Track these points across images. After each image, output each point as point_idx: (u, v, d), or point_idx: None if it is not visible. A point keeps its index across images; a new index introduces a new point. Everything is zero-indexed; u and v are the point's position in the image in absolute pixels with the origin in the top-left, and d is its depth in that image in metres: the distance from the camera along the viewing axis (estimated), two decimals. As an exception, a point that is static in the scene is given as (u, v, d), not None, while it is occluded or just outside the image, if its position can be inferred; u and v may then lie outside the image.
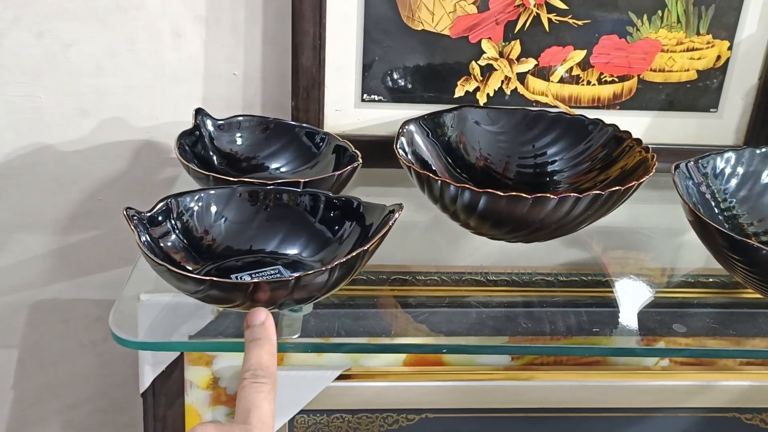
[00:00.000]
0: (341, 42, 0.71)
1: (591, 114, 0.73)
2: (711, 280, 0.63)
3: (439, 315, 0.58)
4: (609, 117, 0.74)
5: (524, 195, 0.52)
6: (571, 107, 0.74)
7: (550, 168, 0.67)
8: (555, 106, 0.74)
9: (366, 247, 0.46)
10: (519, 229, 0.55)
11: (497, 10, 0.70)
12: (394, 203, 0.51)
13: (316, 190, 0.54)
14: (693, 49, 0.73)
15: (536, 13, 0.70)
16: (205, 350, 0.53)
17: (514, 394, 0.59)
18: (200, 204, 0.53)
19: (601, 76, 0.73)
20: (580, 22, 0.71)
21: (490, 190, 0.52)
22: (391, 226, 0.49)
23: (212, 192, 0.53)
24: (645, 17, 0.71)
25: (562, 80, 0.73)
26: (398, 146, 0.61)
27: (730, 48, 0.72)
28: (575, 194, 0.52)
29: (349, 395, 0.57)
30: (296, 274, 0.44)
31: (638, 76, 0.73)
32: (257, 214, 0.54)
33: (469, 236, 0.62)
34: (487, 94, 0.73)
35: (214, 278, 0.43)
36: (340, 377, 0.56)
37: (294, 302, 0.46)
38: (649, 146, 0.61)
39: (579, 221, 0.55)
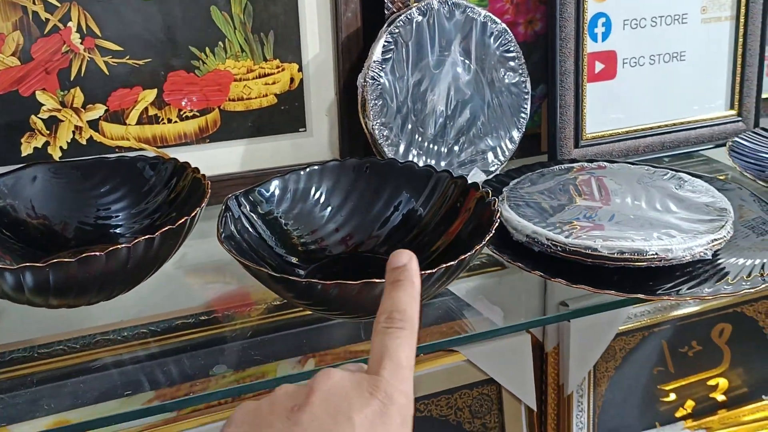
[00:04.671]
0: None
1: (180, 151, 0.72)
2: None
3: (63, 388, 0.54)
4: (200, 151, 0.74)
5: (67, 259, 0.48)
6: (159, 147, 0.72)
7: (113, 221, 0.64)
8: (141, 149, 0.72)
9: None
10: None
11: (44, 59, 0.66)
12: None
13: None
14: (265, 75, 0.74)
15: (89, 57, 0.67)
16: None
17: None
18: None
19: (181, 112, 0.72)
20: (140, 62, 0.69)
21: (29, 264, 0.48)
22: None
23: None
24: (207, 50, 0.71)
25: (140, 122, 0.71)
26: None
27: (300, 69, 0.75)
28: (120, 246, 0.50)
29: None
30: None
31: (219, 107, 0.73)
32: None
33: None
34: (60, 147, 0.69)
35: None
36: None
37: None
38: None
39: (142, 265, 0.53)
